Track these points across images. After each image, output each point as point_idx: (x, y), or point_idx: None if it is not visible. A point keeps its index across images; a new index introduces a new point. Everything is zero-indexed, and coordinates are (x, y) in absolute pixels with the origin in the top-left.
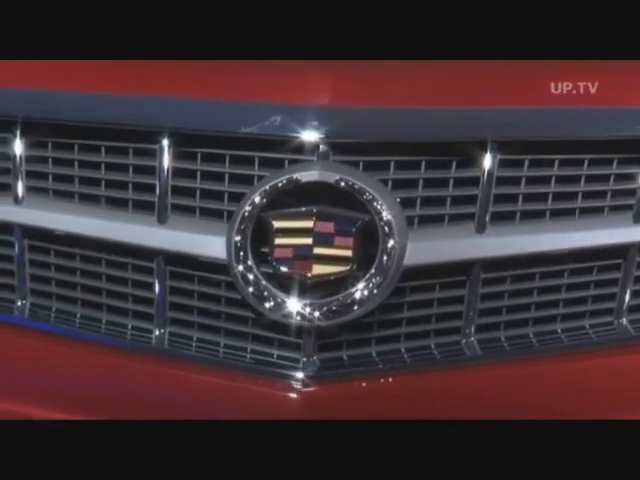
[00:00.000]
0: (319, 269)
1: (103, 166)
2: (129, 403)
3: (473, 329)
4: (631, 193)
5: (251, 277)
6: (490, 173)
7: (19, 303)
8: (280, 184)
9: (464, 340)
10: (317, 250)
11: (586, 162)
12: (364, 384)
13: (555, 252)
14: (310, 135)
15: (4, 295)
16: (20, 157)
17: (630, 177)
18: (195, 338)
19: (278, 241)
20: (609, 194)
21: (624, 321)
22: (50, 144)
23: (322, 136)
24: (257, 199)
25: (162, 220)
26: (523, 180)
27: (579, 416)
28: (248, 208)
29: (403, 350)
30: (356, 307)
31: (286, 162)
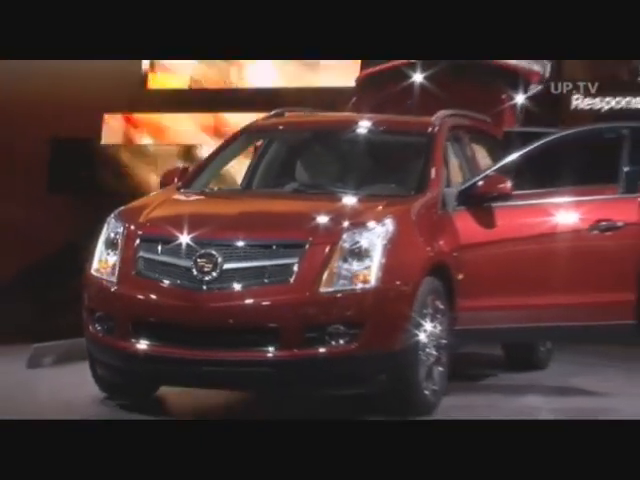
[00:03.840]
0: (207, 269)
1: None
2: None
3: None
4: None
5: (194, 269)
6: None
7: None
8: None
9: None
10: (205, 265)
11: None
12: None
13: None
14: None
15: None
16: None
17: None
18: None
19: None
20: None
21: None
22: None
23: (213, 242)
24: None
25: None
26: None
27: None
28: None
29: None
30: (214, 275)
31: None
